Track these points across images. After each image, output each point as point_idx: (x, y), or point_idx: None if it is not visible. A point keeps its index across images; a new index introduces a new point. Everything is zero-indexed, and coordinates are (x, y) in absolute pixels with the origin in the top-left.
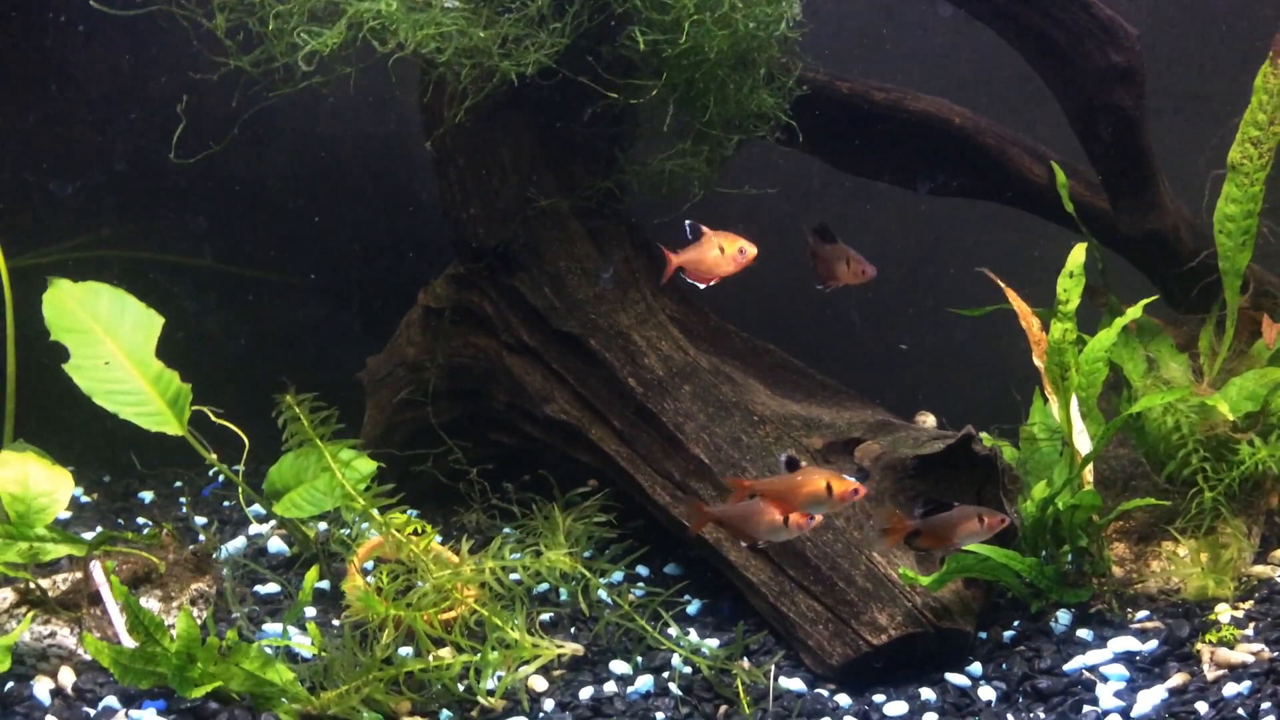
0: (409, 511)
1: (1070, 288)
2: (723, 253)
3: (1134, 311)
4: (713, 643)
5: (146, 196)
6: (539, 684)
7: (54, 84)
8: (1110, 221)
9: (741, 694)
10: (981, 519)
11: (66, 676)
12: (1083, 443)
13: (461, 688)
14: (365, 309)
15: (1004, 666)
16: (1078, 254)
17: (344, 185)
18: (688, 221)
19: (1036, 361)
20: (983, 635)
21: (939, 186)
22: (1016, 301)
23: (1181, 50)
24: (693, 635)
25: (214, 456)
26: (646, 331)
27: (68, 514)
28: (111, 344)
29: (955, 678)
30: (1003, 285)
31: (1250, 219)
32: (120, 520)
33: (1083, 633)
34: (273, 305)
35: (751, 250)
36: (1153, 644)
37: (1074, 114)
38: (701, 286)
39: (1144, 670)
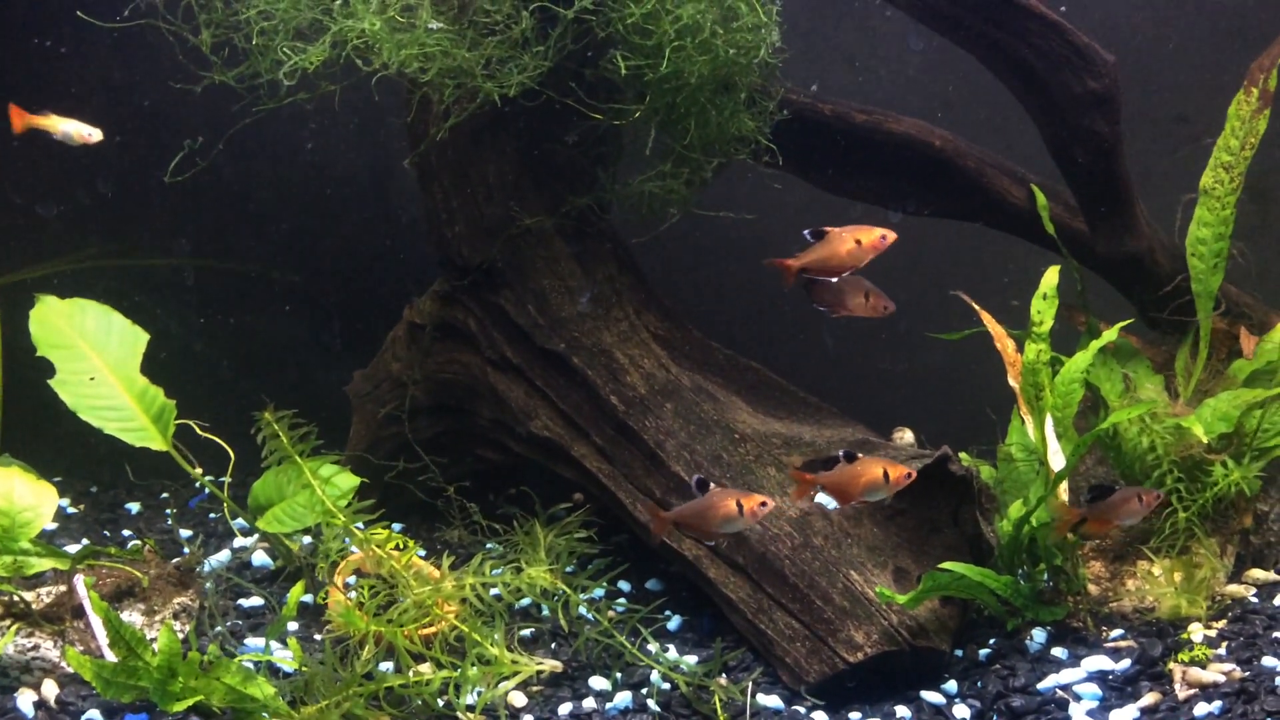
0: (393, 526)
1: (1044, 309)
2: (860, 245)
3: (1111, 334)
4: (692, 659)
5: (134, 211)
6: (518, 700)
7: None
8: (1088, 243)
9: (719, 711)
10: (1140, 498)
11: (50, 689)
12: (1058, 462)
13: (441, 703)
14: (353, 324)
15: (979, 684)
16: (1050, 276)
17: (330, 201)
18: (806, 231)
19: (1012, 382)
20: (958, 653)
21: (919, 208)
22: (991, 324)
23: (1161, 74)
24: (672, 652)
25: (199, 471)
26: (629, 349)
27: (54, 525)
28: (97, 359)
29: (931, 695)
30: (977, 308)
31: (1221, 242)
32: (106, 531)
33: (1057, 651)
34: (261, 319)
35: (891, 235)
36: (1126, 663)
37: (1052, 139)
38: (834, 280)
39: (1116, 689)
